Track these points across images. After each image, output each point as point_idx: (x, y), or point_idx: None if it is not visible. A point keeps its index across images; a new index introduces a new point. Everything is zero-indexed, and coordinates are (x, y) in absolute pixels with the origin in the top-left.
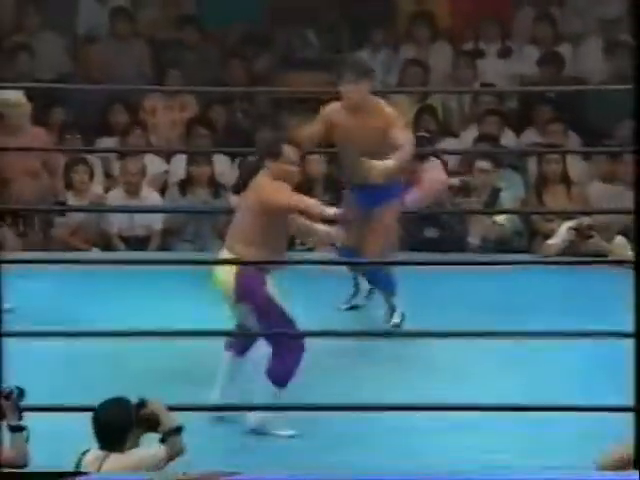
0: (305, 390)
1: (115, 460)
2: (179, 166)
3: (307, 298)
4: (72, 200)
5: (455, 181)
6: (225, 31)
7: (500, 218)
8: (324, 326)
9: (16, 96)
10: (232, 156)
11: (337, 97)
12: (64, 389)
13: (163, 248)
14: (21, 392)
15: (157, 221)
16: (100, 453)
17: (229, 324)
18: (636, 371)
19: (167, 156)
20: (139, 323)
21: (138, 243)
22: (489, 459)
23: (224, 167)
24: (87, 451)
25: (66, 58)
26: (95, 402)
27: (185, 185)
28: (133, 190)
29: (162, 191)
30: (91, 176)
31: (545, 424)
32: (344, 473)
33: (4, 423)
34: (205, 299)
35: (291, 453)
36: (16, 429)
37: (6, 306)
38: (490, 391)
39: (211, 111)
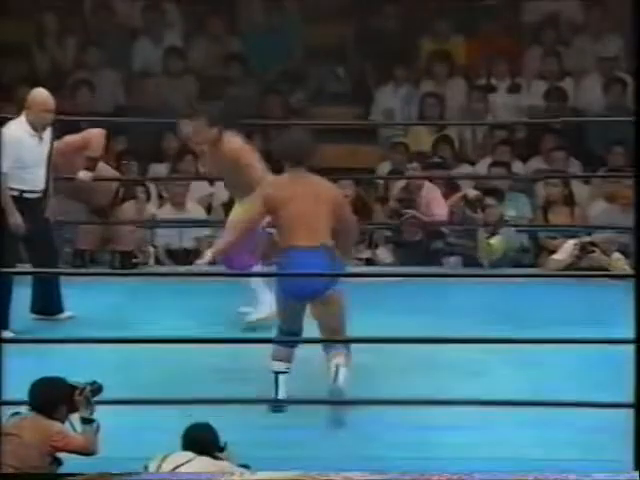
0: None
1: (197, 464)
2: (223, 190)
3: None
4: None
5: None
6: (265, 68)
7: (494, 241)
8: None
9: (44, 96)
10: None
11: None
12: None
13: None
14: (99, 388)
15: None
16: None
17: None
18: (636, 376)
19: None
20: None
21: (185, 256)
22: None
23: None
24: (168, 455)
25: (122, 92)
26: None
27: (228, 206)
28: (179, 204)
29: (207, 211)
30: (148, 199)
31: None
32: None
33: (76, 415)
34: None
35: (325, 447)
36: (87, 421)
37: (68, 314)
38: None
39: (250, 142)
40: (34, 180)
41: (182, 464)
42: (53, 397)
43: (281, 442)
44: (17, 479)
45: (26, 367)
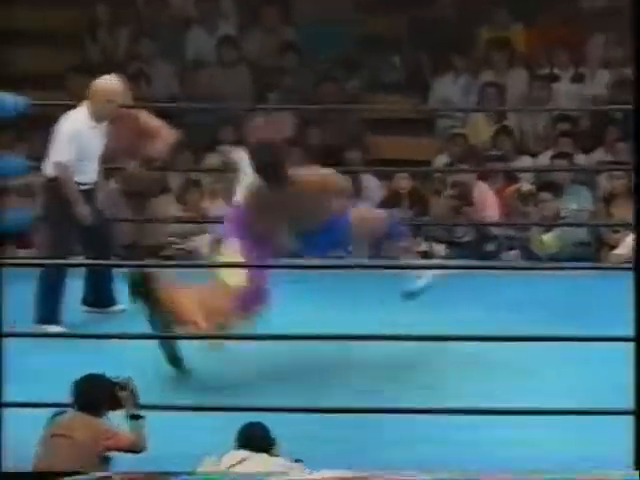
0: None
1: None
2: None
3: None
4: (182, 211)
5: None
6: (319, 57)
7: (547, 237)
8: None
9: (111, 84)
10: None
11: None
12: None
13: None
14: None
15: None
16: (242, 454)
17: None
18: (636, 376)
19: None
20: None
21: None
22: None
23: None
24: (222, 456)
25: (176, 83)
26: None
27: None
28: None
29: None
30: (202, 195)
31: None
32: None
33: (117, 412)
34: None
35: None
36: (135, 417)
37: (121, 307)
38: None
39: (306, 131)
40: (89, 172)
41: (238, 462)
42: (97, 394)
43: (330, 439)
44: (17, 479)
45: (77, 361)
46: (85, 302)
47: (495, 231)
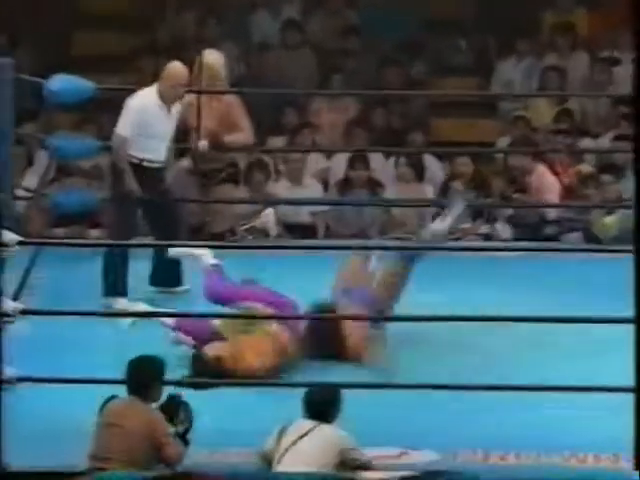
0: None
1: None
2: (340, 164)
3: None
4: (244, 192)
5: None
6: (383, 40)
7: (609, 220)
8: None
9: (214, 58)
10: (387, 155)
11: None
12: None
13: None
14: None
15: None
16: (308, 422)
17: None
18: (636, 355)
19: (329, 154)
20: None
21: (302, 230)
22: None
23: (379, 165)
24: (286, 427)
25: (242, 66)
26: None
27: (344, 184)
28: (297, 179)
29: (324, 187)
30: (267, 176)
31: None
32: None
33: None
34: None
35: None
36: (181, 438)
37: (186, 287)
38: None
39: (369, 113)
40: (157, 150)
41: (303, 435)
42: (148, 376)
43: (396, 420)
44: (18, 479)
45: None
46: (152, 282)
47: (556, 214)
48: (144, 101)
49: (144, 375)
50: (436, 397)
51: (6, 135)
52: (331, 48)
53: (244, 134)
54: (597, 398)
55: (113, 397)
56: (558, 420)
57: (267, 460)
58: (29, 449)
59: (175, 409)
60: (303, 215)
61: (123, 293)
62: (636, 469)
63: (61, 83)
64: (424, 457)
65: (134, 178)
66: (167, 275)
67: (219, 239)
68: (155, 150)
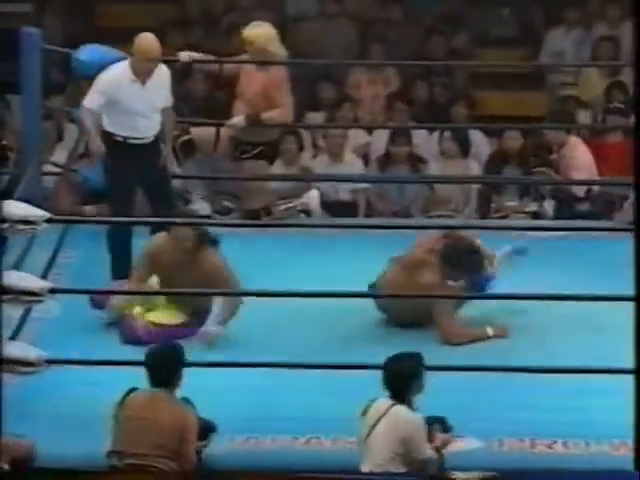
0: None
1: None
2: (381, 139)
3: None
4: (281, 169)
5: None
6: (425, 10)
7: None
8: None
9: (253, 33)
10: (430, 129)
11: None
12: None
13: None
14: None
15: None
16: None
17: None
18: (636, 335)
19: (370, 129)
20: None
21: (342, 208)
22: None
23: (422, 140)
24: (374, 399)
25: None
26: None
27: (385, 160)
28: (337, 154)
29: (365, 162)
30: (300, 147)
31: None
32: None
33: None
34: None
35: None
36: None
37: None
38: None
39: (411, 86)
40: (138, 127)
41: (378, 419)
42: (171, 364)
43: (439, 405)
44: (19, 478)
45: None
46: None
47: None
48: (115, 75)
49: (167, 364)
50: (481, 381)
51: (34, 108)
52: (371, 18)
53: (282, 111)
54: None
55: (133, 390)
56: (607, 407)
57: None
58: (58, 435)
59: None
60: (343, 192)
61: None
62: (636, 469)
63: (91, 53)
64: (468, 445)
65: (119, 156)
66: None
67: (253, 217)
68: (136, 127)
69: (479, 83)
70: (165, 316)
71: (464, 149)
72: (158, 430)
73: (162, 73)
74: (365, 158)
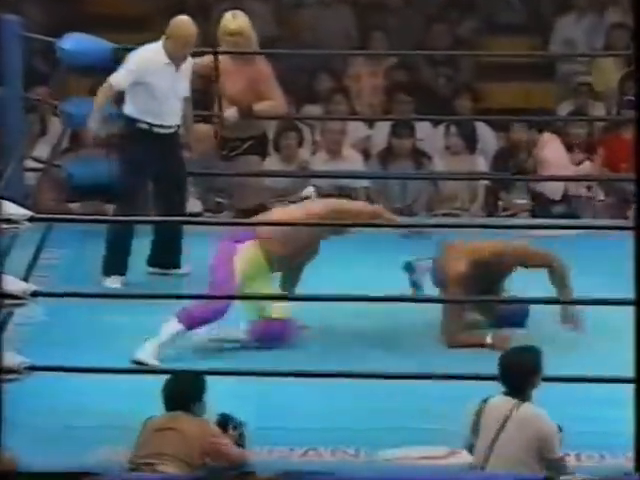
0: None
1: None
2: (382, 132)
3: None
4: (279, 165)
5: None
6: None
7: None
8: None
9: (239, 24)
10: (435, 123)
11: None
12: None
13: None
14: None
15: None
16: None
17: None
18: (636, 340)
19: (370, 122)
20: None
21: None
22: None
23: (426, 133)
24: (487, 399)
25: (272, 24)
26: None
27: (387, 155)
28: (335, 150)
29: (365, 157)
30: (300, 143)
31: None
32: None
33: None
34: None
35: None
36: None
37: (186, 270)
38: None
39: (414, 77)
40: (165, 113)
41: (504, 422)
42: (190, 397)
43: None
44: (19, 479)
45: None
46: (150, 262)
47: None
48: (148, 55)
49: (186, 396)
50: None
51: (15, 100)
52: (371, 4)
53: (274, 103)
54: None
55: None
56: (622, 418)
57: (469, 451)
58: (40, 445)
59: (224, 424)
60: (342, 189)
61: (120, 272)
62: (636, 470)
63: (76, 42)
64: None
65: (141, 145)
66: (166, 256)
67: (247, 216)
68: (163, 113)
69: (485, 74)
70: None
71: (470, 144)
72: (181, 438)
73: (188, 60)
74: (365, 153)
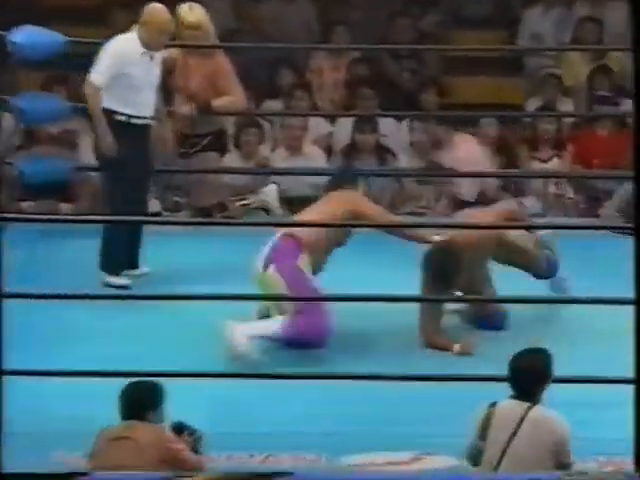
0: None
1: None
2: (344, 128)
3: None
4: (239, 162)
5: None
6: None
7: None
8: None
9: (198, 17)
10: (399, 119)
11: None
12: None
13: None
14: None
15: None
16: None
17: None
18: (636, 340)
19: (332, 118)
20: None
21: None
22: None
23: (390, 129)
24: (495, 403)
25: (231, 17)
26: None
27: (350, 151)
28: (296, 147)
29: (327, 153)
30: (260, 139)
31: None
32: None
33: None
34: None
35: None
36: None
37: (144, 270)
38: None
39: (377, 71)
40: (142, 104)
41: (517, 427)
42: (143, 402)
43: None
44: (18, 479)
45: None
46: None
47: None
48: (124, 46)
49: (143, 404)
50: (466, 393)
51: None
52: None
53: (234, 99)
54: None
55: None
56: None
57: (477, 460)
58: (17, 451)
59: (179, 431)
60: (303, 187)
61: (117, 273)
62: (636, 470)
63: (27, 36)
64: (440, 462)
65: (121, 138)
66: (121, 256)
67: (205, 215)
68: (140, 104)
69: (451, 68)
70: None
71: (436, 140)
72: (138, 448)
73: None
74: (327, 150)
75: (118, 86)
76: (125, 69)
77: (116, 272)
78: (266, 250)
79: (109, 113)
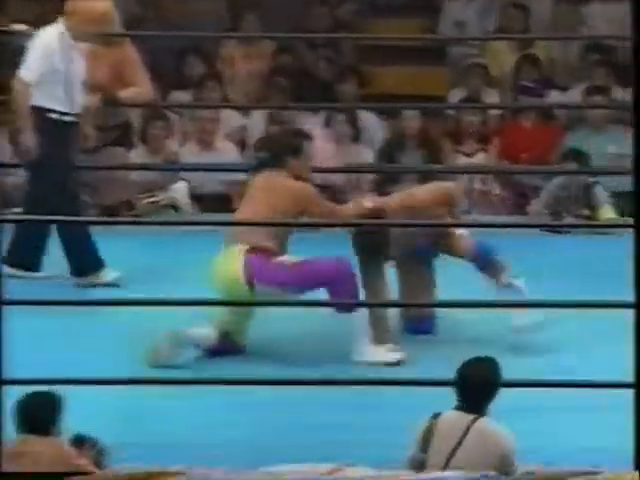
0: None
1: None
2: (258, 121)
3: None
4: (146, 157)
5: None
6: None
7: None
8: None
9: (103, 5)
10: (315, 110)
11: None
12: None
13: None
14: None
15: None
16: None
17: None
18: (636, 344)
19: (245, 110)
20: None
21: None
22: None
23: (307, 121)
24: (438, 414)
25: (135, 2)
26: None
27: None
28: (207, 141)
29: (241, 147)
30: (168, 133)
31: None
32: None
33: None
34: None
35: None
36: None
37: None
38: None
39: (291, 61)
40: (72, 100)
41: (462, 437)
42: (41, 416)
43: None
44: (18, 479)
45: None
46: (7, 260)
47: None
48: (53, 40)
49: (42, 417)
50: (387, 397)
51: None
52: None
53: (141, 89)
54: None
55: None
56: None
57: (418, 469)
58: None
59: (79, 444)
60: (215, 184)
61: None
62: (636, 469)
63: None
64: (359, 474)
65: (53, 137)
66: (26, 255)
67: (111, 213)
68: (70, 100)
69: (371, 57)
70: None
71: (354, 133)
72: (36, 464)
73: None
74: (241, 144)
75: (49, 82)
76: (55, 64)
77: (23, 267)
78: (239, 267)
79: (41, 111)
